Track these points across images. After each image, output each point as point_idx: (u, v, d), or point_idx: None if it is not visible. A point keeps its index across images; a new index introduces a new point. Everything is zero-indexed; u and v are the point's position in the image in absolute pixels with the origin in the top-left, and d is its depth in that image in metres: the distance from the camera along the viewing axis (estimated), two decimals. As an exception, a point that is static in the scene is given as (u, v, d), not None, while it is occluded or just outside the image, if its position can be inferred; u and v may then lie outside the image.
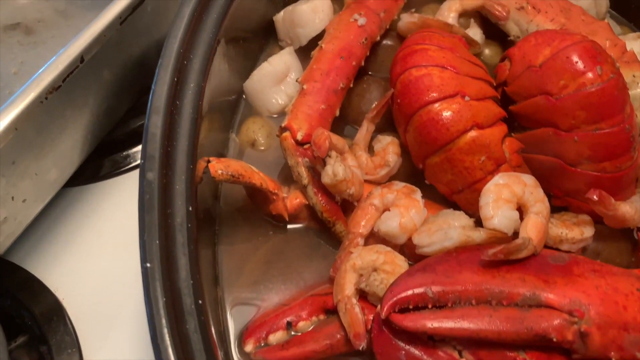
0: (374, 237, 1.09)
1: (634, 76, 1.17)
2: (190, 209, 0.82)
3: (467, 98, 1.05)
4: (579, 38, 1.05)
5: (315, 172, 1.09)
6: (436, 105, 1.05)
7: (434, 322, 0.90)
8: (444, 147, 1.06)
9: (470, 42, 1.28)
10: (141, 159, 0.82)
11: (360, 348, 0.93)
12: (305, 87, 1.17)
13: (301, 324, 1.02)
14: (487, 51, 1.40)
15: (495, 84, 1.15)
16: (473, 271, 0.94)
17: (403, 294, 0.92)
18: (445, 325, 0.89)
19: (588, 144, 1.03)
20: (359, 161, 1.17)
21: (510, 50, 1.14)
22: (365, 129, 1.20)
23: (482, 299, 0.91)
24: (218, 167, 0.99)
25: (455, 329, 0.89)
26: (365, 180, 1.16)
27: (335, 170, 1.05)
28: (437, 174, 1.10)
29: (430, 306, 0.91)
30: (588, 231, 1.08)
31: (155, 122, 0.86)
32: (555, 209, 1.15)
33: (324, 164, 1.07)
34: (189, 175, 0.85)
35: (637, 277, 0.93)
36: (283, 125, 1.12)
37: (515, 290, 0.91)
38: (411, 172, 1.20)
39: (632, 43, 1.33)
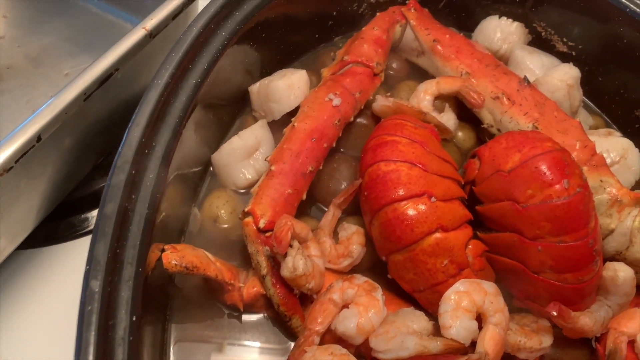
0: (331, 334, 1.06)
1: (601, 181, 1.18)
2: (134, 318, 0.78)
3: (433, 199, 1.04)
4: (549, 147, 1.05)
5: (275, 262, 1.06)
6: (402, 204, 1.04)
7: None
8: (407, 247, 1.04)
9: (442, 130, 1.28)
10: (87, 263, 0.78)
11: None
12: (273, 168, 1.15)
13: None
14: (460, 134, 1.40)
15: (463, 182, 1.15)
16: (426, 386, 0.92)
17: (352, 409, 0.89)
18: None
19: (551, 255, 1.03)
20: (323, 247, 1.15)
21: (480, 149, 1.13)
22: (331, 215, 1.18)
23: (434, 418, 0.89)
24: (172, 258, 0.95)
25: None
26: (328, 269, 1.14)
27: (295, 264, 1.02)
28: (399, 271, 1.08)
29: (380, 423, 0.89)
30: (546, 341, 1.06)
31: (107, 217, 0.82)
32: (516, 309, 1.14)
33: (285, 255, 1.04)
34: (137, 280, 0.81)
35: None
36: (246, 209, 1.09)
37: (468, 410, 0.89)
38: (377, 260, 1.18)
39: (602, 140, 1.34)
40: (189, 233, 1.19)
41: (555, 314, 0.99)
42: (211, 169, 1.28)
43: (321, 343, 1.06)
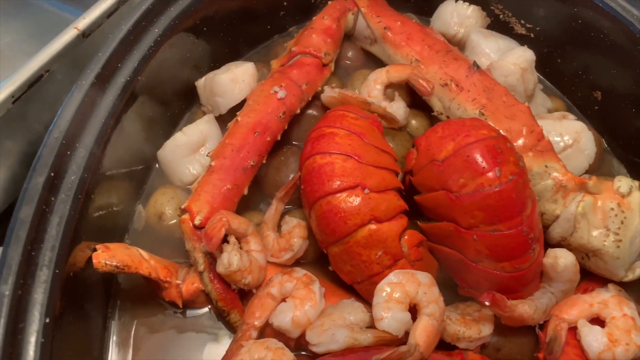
0: (271, 328, 1.06)
1: (546, 166, 1.16)
2: (48, 320, 0.79)
3: (367, 190, 1.03)
4: (483, 135, 1.04)
5: (213, 258, 1.07)
6: (336, 196, 1.03)
7: None
8: (342, 239, 1.04)
9: (389, 120, 1.27)
10: (-2, 266, 0.79)
11: None
12: (213, 163, 1.15)
13: (185, 421, 1.00)
14: (413, 122, 1.38)
15: (401, 172, 1.14)
16: (355, 378, 0.92)
17: (278, 404, 0.90)
18: None
19: (486, 244, 1.02)
20: (266, 242, 1.15)
21: (418, 139, 1.12)
22: (274, 208, 1.17)
23: (361, 410, 0.90)
24: (102, 258, 0.96)
25: None
26: (271, 263, 1.14)
27: (230, 259, 1.03)
28: (337, 263, 1.08)
29: (306, 417, 0.89)
30: (486, 330, 1.06)
31: (22, 220, 0.82)
32: (462, 298, 1.14)
33: (221, 250, 1.05)
34: (54, 283, 0.82)
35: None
36: (183, 207, 1.09)
37: (394, 402, 0.89)
38: (322, 252, 1.17)
39: (555, 123, 1.32)
40: (134, 231, 1.20)
41: (488, 304, 0.98)
42: (157, 165, 1.28)
43: (263, 337, 1.06)
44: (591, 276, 1.18)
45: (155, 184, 1.26)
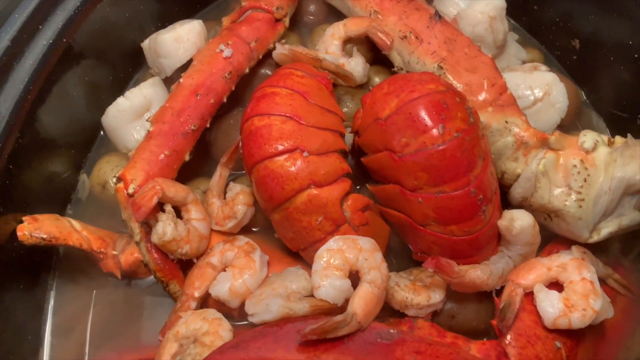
0: (213, 297, 1.03)
1: (506, 122, 1.08)
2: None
3: (306, 153, 0.97)
4: (429, 90, 0.96)
5: (149, 228, 1.03)
6: (273, 160, 0.97)
7: (233, 409, 0.85)
8: (281, 205, 0.99)
9: (344, 77, 1.19)
10: None
11: None
12: (152, 129, 1.10)
13: (122, 391, 0.98)
14: (376, 79, 1.30)
15: (347, 133, 1.07)
16: (288, 350, 0.88)
17: (207, 376, 0.87)
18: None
19: (432, 207, 0.96)
20: (210, 209, 1.10)
21: (364, 96, 1.05)
22: (218, 175, 1.12)
23: (292, 382, 0.86)
24: (27, 230, 0.93)
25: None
26: (215, 231, 1.10)
27: (164, 229, 0.99)
28: (280, 230, 1.03)
29: (235, 389, 0.86)
30: (436, 296, 1.01)
31: None
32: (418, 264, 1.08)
33: (157, 220, 1.01)
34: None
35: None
36: (117, 175, 1.05)
37: (327, 374, 0.86)
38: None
39: (525, 76, 1.23)
40: (77, 200, 1.17)
41: (431, 270, 0.93)
42: (102, 133, 1.23)
43: (206, 307, 1.03)
44: (558, 239, 1.12)
45: (100, 152, 1.22)
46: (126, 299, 1.08)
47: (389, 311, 1.03)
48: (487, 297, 1.05)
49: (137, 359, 1.01)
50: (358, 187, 1.16)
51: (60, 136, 1.12)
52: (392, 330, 0.92)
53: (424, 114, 0.93)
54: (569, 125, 1.28)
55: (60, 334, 1.04)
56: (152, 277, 1.07)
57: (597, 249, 1.11)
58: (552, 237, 1.12)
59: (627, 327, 1.13)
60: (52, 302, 1.05)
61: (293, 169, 0.97)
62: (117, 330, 1.05)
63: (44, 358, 1.01)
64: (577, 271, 0.99)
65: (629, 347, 1.11)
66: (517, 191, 1.08)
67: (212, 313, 0.98)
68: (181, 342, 0.94)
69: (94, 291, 1.08)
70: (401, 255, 1.14)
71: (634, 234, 1.22)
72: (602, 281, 1.11)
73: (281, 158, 0.97)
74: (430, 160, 0.93)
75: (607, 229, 1.05)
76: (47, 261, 1.08)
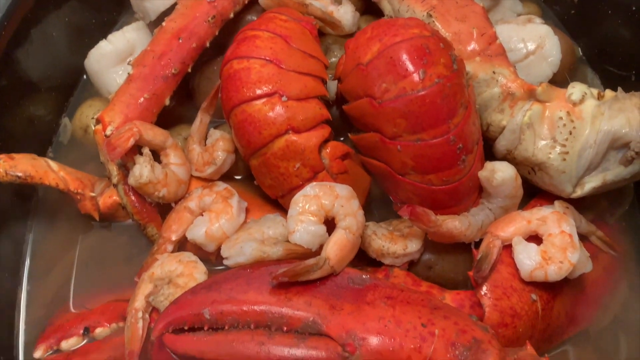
0: (191, 242, 1.03)
1: (494, 72, 1.05)
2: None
3: (285, 98, 0.95)
4: (412, 34, 0.93)
5: (127, 171, 1.02)
6: (251, 104, 0.96)
7: (202, 347, 0.85)
8: (259, 151, 0.98)
9: (331, 24, 1.16)
10: None
11: (131, 367, 0.90)
12: (132, 72, 1.08)
13: (99, 330, 0.99)
14: (366, 29, 1.27)
15: (330, 80, 1.05)
16: (260, 292, 0.88)
17: (178, 314, 0.87)
18: (213, 350, 0.85)
19: (410, 155, 0.94)
20: (191, 156, 1.10)
21: (348, 41, 1.02)
22: (199, 121, 1.11)
23: (262, 323, 0.86)
24: (2, 167, 0.93)
25: (223, 355, 0.84)
26: (196, 177, 1.09)
27: (141, 171, 0.98)
28: (259, 176, 1.03)
29: (206, 328, 0.87)
30: (412, 246, 1.00)
31: None
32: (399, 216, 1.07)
33: (135, 162, 1.00)
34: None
35: (433, 308, 0.86)
36: (96, 116, 1.04)
37: (297, 315, 0.85)
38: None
39: (519, 28, 1.20)
40: (59, 144, 1.16)
41: (406, 216, 0.92)
42: (84, 77, 1.22)
43: (184, 251, 1.03)
44: (542, 194, 1.10)
45: (83, 96, 1.20)
46: (105, 241, 1.08)
47: (366, 261, 1.03)
48: (466, 249, 1.04)
49: (115, 299, 1.02)
50: (342, 139, 1.15)
51: (41, 79, 1.11)
52: (364, 276, 0.91)
53: (405, 58, 0.91)
54: (563, 81, 1.24)
55: (38, 275, 1.05)
56: (130, 220, 1.07)
57: (583, 207, 1.09)
58: (536, 192, 1.11)
59: (607, 284, 1.13)
60: (30, 244, 1.06)
61: (271, 113, 0.95)
62: (95, 272, 1.06)
63: (22, 298, 1.02)
64: (556, 224, 0.97)
65: (608, 305, 1.11)
66: (502, 144, 1.06)
67: (187, 256, 0.98)
68: (156, 283, 0.95)
69: (73, 234, 1.08)
70: (382, 207, 1.13)
71: (621, 192, 1.21)
72: (585, 238, 1.10)
73: (259, 102, 0.96)
74: (409, 106, 0.91)
75: (591, 183, 1.03)
76: (26, 203, 1.08)
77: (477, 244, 1.02)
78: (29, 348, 0.98)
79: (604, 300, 1.11)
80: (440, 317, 0.84)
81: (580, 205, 1.08)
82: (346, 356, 0.82)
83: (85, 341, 0.98)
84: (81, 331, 0.98)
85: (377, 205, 1.13)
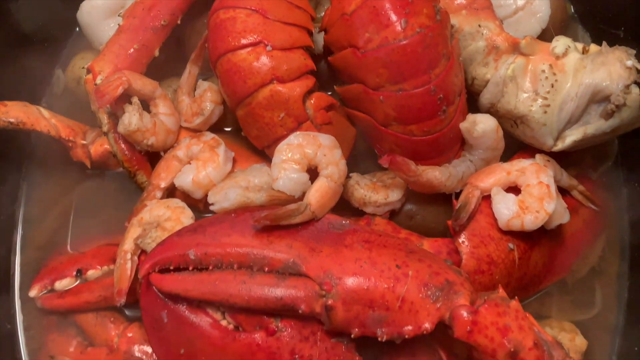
0: (180, 190, 1.06)
1: (479, 26, 1.06)
2: None
3: (269, 47, 0.97)
4: (395, -17, 0.94)
5: (117, 120, 1.05)
6: (235, 53, 0.97)
7: (187, 286, 0.89)
8: (244, 101, 1.00)
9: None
10: None
11: (119, 305, 0.94)
12: (122, 23, 1.09)
13: (91, 272, 1.03)
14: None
15: (317, 33, 1.06)
16: (243, 234, 0.92)
17: (164, 255, 0.91)
18: (197, 289, 0.88)
19: (392, 105, 0.96)
20: (180, 107, 1.12)
21: (333, -9, 1.03)
22: (188, 72, 1.13)
23: (245, 263, 0.90)
24: (-6, 113, 0.95)
25: (207, 293, 0.88)
26: (185, 128, 1.12)
27: (129, 119, 1.01)
28: (245, 127, 1.05)
29: (191, 268, 0.90)
30: (394, 195, 1.03)
31: None
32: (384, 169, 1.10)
33: (124, 111, 1.02)
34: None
35: (408, 251, 0.89)
36: (86, 66, 1.06)
37: (278, 256, 0.89)
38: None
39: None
40: (52, 94, 1.19)
41: (385, 165, 0.94)
42: (77, 29, 1.23)
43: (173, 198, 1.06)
44: (525, 149, 1.12)
45: (76, 48, 1.22)
46: (97, 189, 1.12)
47: (350, 211, 1.06)
48: (447, 201, 1.07)
49: (106, 243, 1.06)
50: (330, 94, 1.16)
51: (34, 31, 1.12)
52: (344, 222, 0.94)
53: (387, 8, 0.92)
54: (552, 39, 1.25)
55: (33, 220, 1.09)
56: (121, 168, 1.10)
57: (567, 163, 1.11)
58: (519, 148, 1.12)
59: (587, 237, 1.15)
60: (25, 191, 1.09)
61: (256, 63, 0.97)
62: (88, 217, 1.10)
63: (17, 241, 1.06)
64: (534, 175, 1.00)
65: (586, 256, 1.14)
66: (485, 97, 1.07)
67: (175, 202, 1.01)
68: (144, 227, 0.98)
69: (66, 181, 1.12)
70: (368, 161, 1.15)
71: (604, 149, 1.22)
72: (567, 192, 1.12)
73: (244, 51, 0.97)
74: (391, 55, 0.92)
75: (572, 137, 1.04)
76: (20, 151, 1.11)
77: (458, 195, 1.05)
78: (25, 288, 1.02)
79: (582, 252, 1.14)
80: (415, 260, 0.88)
81: (564, 161, 1.10)
82: (323, 294, 0.85)
83: (77, 282, 1.02)
84: (74, 273, 1.02)
85: (363, 159, 1.16)
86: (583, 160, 1.18)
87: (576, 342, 1.04)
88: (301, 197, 0.95)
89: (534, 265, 1.04)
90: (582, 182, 1.13)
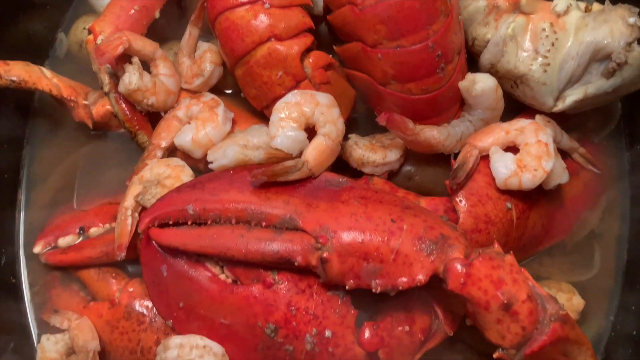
0: (181, 150, 1.07)
1: (480, -16, 1.05)
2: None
3: (267, 5, 0.97)
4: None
5: (118, 79, 1.06)
6: (234, 11, 0.98)
7: (185, 239, 0.90)
8: (242, 59, 1.00)
9: None
10: None
11: (119, 259, 0.95)
12: (123, -16, 1.10)
13: (93, 229, 1.05)
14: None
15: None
16: (241, 191, 0.93)
17: (164, 210, 0.92)
18: (195, 242, 0.90)
19: (390, 63, 0.96)
20: (180, 69, 1.12)
21: (329, -52, 1.02)
22: (188, 34, 1.13)
23: (242, 218, 0.91)
24: (-3, 71, 0.97)
25: (205, 246, 0.90)
26: (185, 89, 1.12)
27: (130, 78, 1.02)
28: (244, 87, 1.05)
29: (190, 223, 0.92)
30: (391, 155, 1.03)
31: None
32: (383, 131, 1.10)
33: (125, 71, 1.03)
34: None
35: (404, 207, 0.90)
36: (87, 27, 1.07)
37: (275, 212, 0.90)
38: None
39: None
40: (55, 58, 1.20)
41: (382, 122, 0.94)
42: (79, -8, 1.24)
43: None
44: (526, 112, 1.11)
45: (78, 11, 1.23)
46: (99, 149, 1.13)
47: (348, 173, 1.06)
48: (446, 162, 1.07)
49: (108, 202, 1.08)
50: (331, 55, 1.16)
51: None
52: (341, 179, 0.95)
53: (384, -37, 0.91)
54: None
55: (36, 180, 1.11)
56: (123, 129, 1.11)
57: (569, 127, 1.10)
58: (519, 113, 1.12)
59: (586, 201, 1.15)
60: (28, 151, 1.11)
61: (253, 20, 0.97)
62: (90, 177, 1.11)
63: (22, 200, 1.08)
64: (533, 134, 0.99)
65: (585, 220, 1.13)
66: (486, 57, 1.06)
67: (176, 161, 1.03)
68: (145, 185, 1.00)
69: (69, 142, 1.13)
70: (368, 124, 1.15)
71: (607, 113, 1.21)
72: (567, 155, 1.12)
73: (242, 9, 0.97)
74: (388, 11, 0.92)
75: (572, 97, 1.03)
76: (23, 112, 1.13)
77: (457, 156, 1.05)
78: (29, 245, 1.05)
79: (582, 215, 1.14)
80: (410, 215, 0.88)
81: (565, 125, 1.10)
82: (319, 247, 0.86)
83: (80, 239, 1.04)
84: (77, 230, 1.04)
85: (362, 124, 1.16)
86: (585, 125, 1.17)
87: (573, 302, 1.04)
88: (299, 156, 0.96)
89: (532, 225, 1.04)
90: (584, 146, 1.13)
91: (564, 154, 1.09)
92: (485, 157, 1.02)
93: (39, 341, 0.97)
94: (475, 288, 0.83)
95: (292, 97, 0.97)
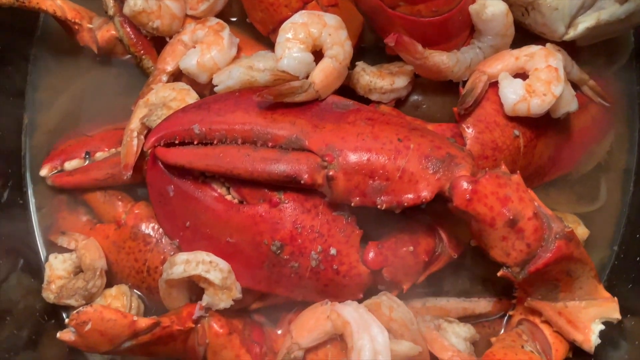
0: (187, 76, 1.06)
1: None
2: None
3: None
4: None
5: (123, 3, 1.04)
6: None
7: (191, 157, 0.90)
8: (249, -20, 0.98)
9: None
10: None
11: (125, 177, 0.96)
12: None
13: (99, 154, 1.05)
14: None
15: None
16: (247, 111, 0.92)
17: (170, 129, 0.92)
18: (201, 160, 0.90)
19: (400, -18, 0.94)
20: (186, -6, 1.11)
21: None
22: (193, -42, 1.11)
23: (249, 139, 0.91)
24: (-2, -8, 0.95)
25: (211, 165, 0.90)
26: (190, 15, 1.11)
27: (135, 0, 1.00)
28: (250, 11, 1.04)
29: (196, 142, 0.92)
30: (399, 82, 1.02)
31: None
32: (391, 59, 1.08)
33: (129, -8, 1.02)
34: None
35: (411, 128, 0.89)
36: (91, -52, 1.05)
37: (281, 132, 0.90)
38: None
39: None
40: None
41: (391, 43, 0.93)
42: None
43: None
44: (537, 42, 1.09)
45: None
46: (104, 75, 1.12)
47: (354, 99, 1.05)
48: (454, 91, 1.06)
49: (114, 127, 1.08)
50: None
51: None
52: (348, 102, 0.94)
53: None
54: None
55: (41, 105, 1.10)
56: (128, 55, 1.10)
57: (580, 60, 1.08)
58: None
59: (595, 133, 1.14)
60: (33, 76, 1.11)
61: (260, -62, 0.95)
62: (96, 103, 1.11)
63: (27, 124, 1.09)
64: (543, 59, 0.98)
65: (593, 152, 1.13)
66: (498, -19, 1.04)
67: (181, 85, 1.02)
68: (150, 108, 0.99)
69: (75, 67, 1.12)
70: (376, 54, 1.13)
71: (618, 46, 1.19)
72: (577, 88, 1.10)
73: None
74: None
75: (584, 23, 1.02)
76: (28, 36, 1.11)
77: (465, 84, 1.04)
78: (35, 169, 1.05)
79: (589, 148, 1.13)
80: (417, 135, 0.88)
81: (576, 58, 1.08)
82: (325, 165, 0.86)
83: (86, 163, 1.04)
84: (83, 154, 1.04)
85: (371, 53, 1.14)
86: (596, 59, 1.16)
87: (578, 231, 1.04)
88: (306, 78, 0.95)
89: (539, 155, 1.04)
90: (594, 80, 1.11)
91: (573, 86, 1.07)
92: (494, 85, 1.01)
93: (47, 260, 0.98)
94: (481, 204, 0.83)
95: (299, 17, 0.95)
